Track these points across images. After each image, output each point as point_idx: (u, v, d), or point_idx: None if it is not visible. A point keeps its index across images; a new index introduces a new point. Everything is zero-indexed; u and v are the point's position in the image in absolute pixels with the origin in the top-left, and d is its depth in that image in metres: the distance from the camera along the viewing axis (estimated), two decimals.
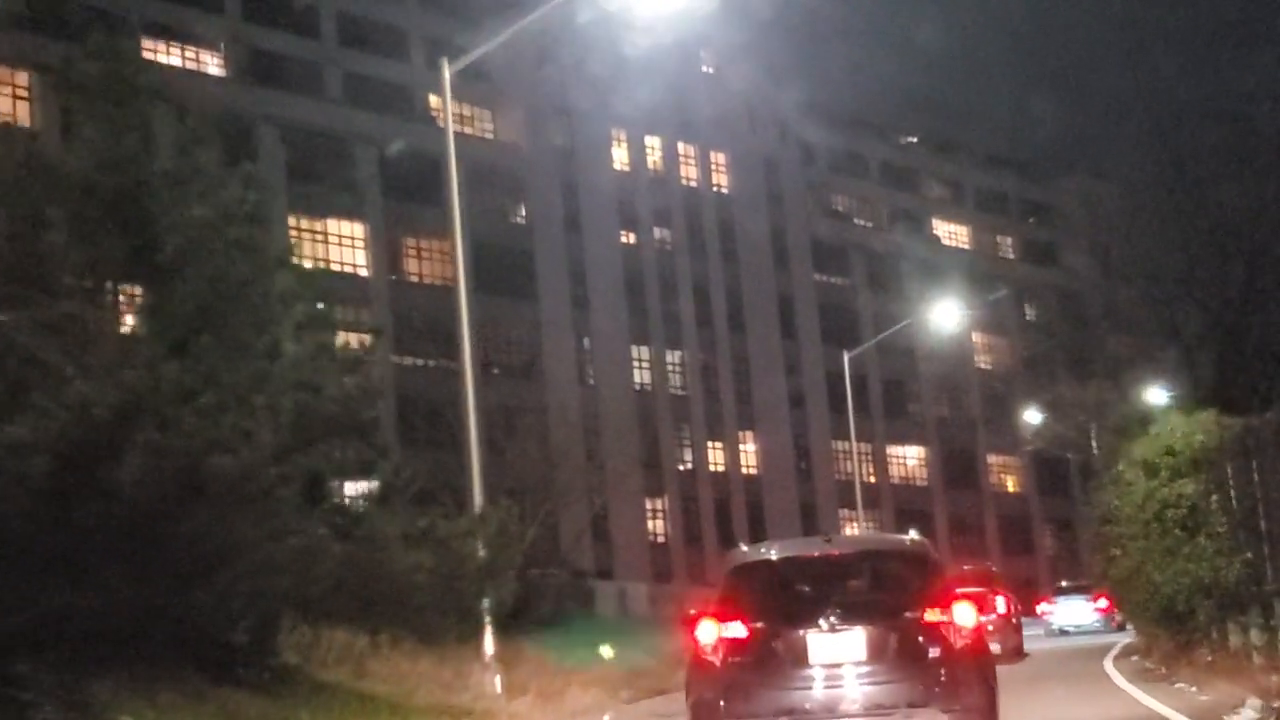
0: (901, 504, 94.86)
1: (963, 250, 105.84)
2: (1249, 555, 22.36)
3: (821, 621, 14.16)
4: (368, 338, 21.48)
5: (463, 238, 68.91)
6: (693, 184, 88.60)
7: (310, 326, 19.59)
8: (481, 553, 21.92)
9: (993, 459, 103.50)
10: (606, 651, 29.19)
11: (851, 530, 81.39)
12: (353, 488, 22.87)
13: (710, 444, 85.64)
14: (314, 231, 69.40)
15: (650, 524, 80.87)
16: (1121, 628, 46.27)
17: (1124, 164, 50.72)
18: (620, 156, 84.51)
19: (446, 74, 27.14)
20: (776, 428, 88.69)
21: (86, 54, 19.77)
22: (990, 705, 14.41)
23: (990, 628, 35.51)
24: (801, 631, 14.16)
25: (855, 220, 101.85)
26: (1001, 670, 18.24)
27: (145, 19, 62.83)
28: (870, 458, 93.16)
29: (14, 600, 16.08)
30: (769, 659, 14.16)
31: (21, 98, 57.87)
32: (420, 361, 68.03)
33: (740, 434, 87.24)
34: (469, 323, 27.72)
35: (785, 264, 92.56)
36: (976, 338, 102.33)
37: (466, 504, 24.74)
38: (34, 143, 24.63)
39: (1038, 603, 64.69)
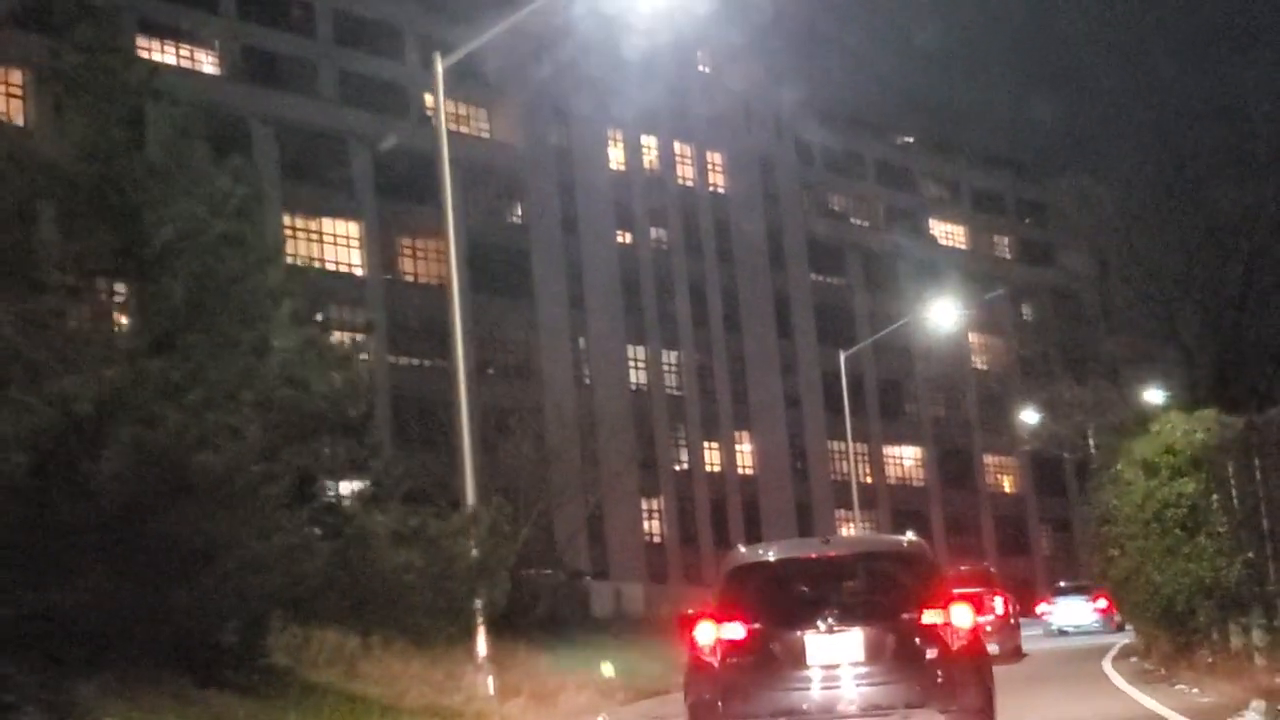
0: (898, 504, 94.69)
1: (959, 250, 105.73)
2: (1251, 555, 22.12)
3: (819, 622, 14.21)
4: (360, 335, 21.06)
5: (458, 237, 68.71)
6: (689, 184, 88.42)
7: (299, 322, 19.27)
8: (474, 552, 21.62)
9: (989, 459, 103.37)
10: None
11: (848, 531, 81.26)
12: (346, 487, 22.65)
13: (706, 444, 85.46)
14: (309, 230, 69.24)
15: (646, 524, 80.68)
16: (1121, 628, 46.11)
17: (1122, 164, 50.56)
18: (616, 156, 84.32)
19: (439, 69, 26.89)
20: (773, 428, 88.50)
21: (73, 46, 19.50)
22: (987, 705, 14.44)
23: (988, 628, 35.54)
24: (799, 632, 14.22)
25: (852, 220, 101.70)
26: (1000, 671, 18.10)
27: (140, 17, 62.50)
28: (867, 458, 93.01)
29: None
30: (767, 660, 14.21)
31: (15, 95, 57.59)
32: (416, 361, 67.80)
33: (736, 434, 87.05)
34: (461, 321, 27.47)
35: (781, 264, 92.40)
36: (973, 338, 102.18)
37: (460, 504, 24.51)
38: (20, 136, 24.29)
39: (1037, 603, 64.50)
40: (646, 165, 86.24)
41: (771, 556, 15.43)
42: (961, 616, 14.36)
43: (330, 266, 68.83)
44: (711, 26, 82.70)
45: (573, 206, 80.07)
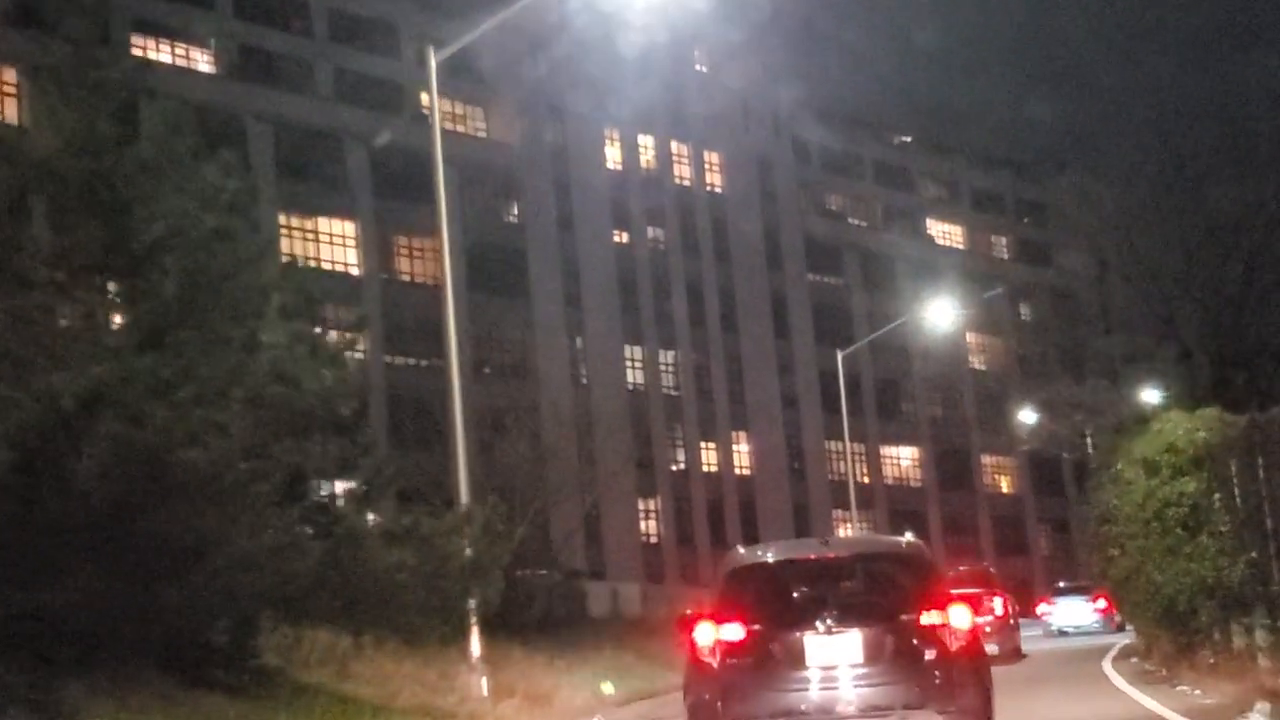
0: (895, 504, 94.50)
1: (957, 250, 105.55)
2: (1254, 555, 21.89)
3: (818, 623, 14.27)
4: (349, 334, 20.77)
5: (455, 237, 68.49)
6: (686, 183, 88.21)
7: (288, 317, 19.01)
8: (468, 551, 21.36)
9: (987, 459, 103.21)
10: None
11: (845, 531, 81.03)
12: (339, 486, 22.38)
13: (703, 444, 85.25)
14: (305, 229, 69.04)
15: (643, 524, 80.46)
16: (1121, 628, 45.95)
17: (1121, 163, 50.49)
18: (613, 155, 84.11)
19: (432, 63, 26.65)
20: (770, 428, 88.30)
21: (61, 39, 19.25)
22: (986, 706, 14.48)
23: (988, 629, 35.39)
24: (798, 633, 14.26)
25: (850, 220, 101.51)
26: (1000, 672, 17.93)
27: (135, 16, 62.29)
28: (864, 458, 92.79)
29: None
30: (766, 661, 14.26)
31: (9, 94, 57.33)
32: (412, 361, 67.57)
33: (733, 434, 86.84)
34: (457, 320, 27.23)
35: (779, 264, 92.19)
36: (971, 338, 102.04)
37: (454, 503, 24.28)
38: (11, 133, 24.02)
39: (1037, 604, 64.34)
40: (643, 164, 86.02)
41: (770, 557, 15.50)
42: (960, 617, 14.41)
43: (326, 266, 68.58)
44: (709, 25, 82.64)
45: (569, 206, 79.84)
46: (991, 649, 33.44)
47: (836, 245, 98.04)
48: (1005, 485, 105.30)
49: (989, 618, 35.78)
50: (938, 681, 14.12)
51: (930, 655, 14.18)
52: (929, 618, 14.30)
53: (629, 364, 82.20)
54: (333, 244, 70.29)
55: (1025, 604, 60.30)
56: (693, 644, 14.53)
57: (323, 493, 20.39)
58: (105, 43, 19.94)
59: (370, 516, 21.44)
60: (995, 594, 38.13)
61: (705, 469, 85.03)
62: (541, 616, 42.72)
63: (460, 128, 76.32)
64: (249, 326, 18.40)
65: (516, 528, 38.89)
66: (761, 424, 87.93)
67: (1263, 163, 45.69)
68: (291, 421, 17.94)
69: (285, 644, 21.50)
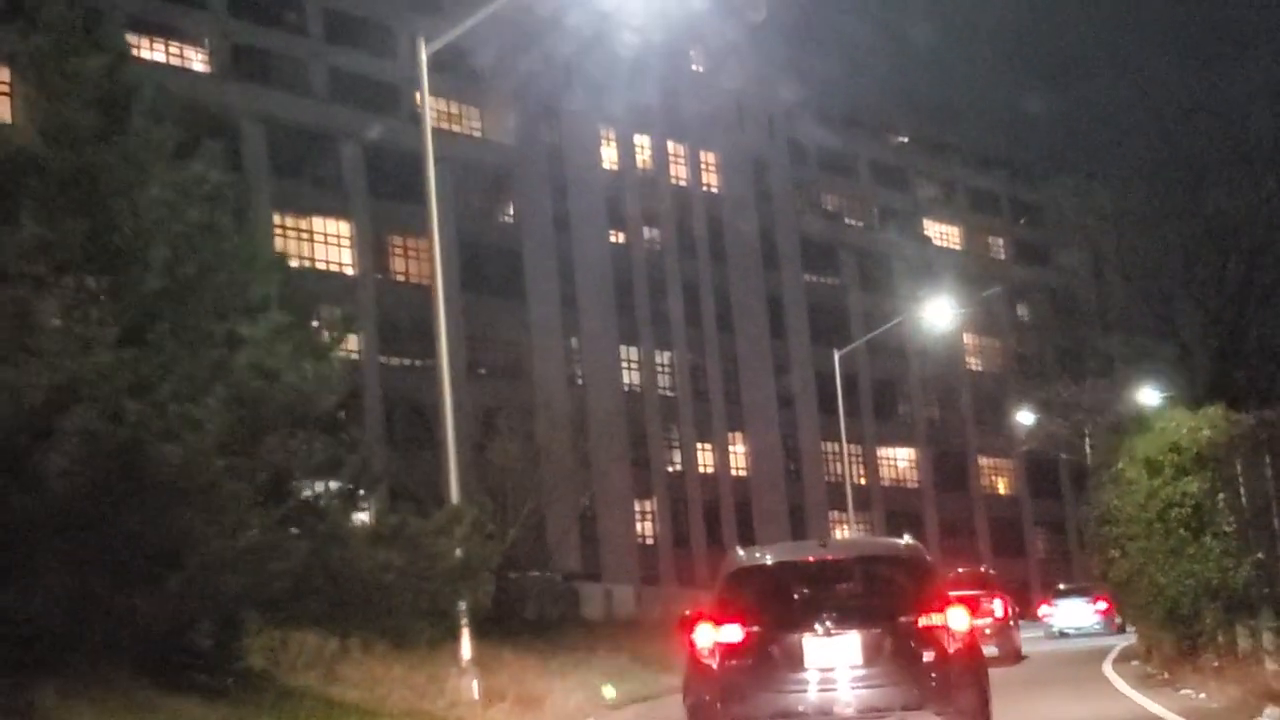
0: (892, 506, 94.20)
1: (954, 250, 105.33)
2: (1260, 556, 21.50)
3: (817, 625, 14.37)
4: (333, 331, 20.30)
5: (450, 237, 68.14)
6: (682, 183, 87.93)
7: (269, 309, 18.57)
8: (458, 552, 20.93)
9: (984, 461, 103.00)
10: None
11: (842, 532, 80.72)
12: (328, 485, 21.97)
13: (699, 445, 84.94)
14: (299, 229, 68.72)
15: (639, 526, 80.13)
16: (1121, 630, 45.70)
17: (1120, 161, 50.31)
18: (609, 155, 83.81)
19: (423, 55, 26.25)
20: (766, 429, 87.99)
21: (41, 27, 18.83)
22: (984, 707, 14.60)
23: (988, 631, 35.10)
24: (797, 635, 14.37)
25: (846, 220, 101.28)
26: (999, 674, 17.61)
27: (129, 14, 61.81)
28: (861, 459, 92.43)
29: None
30: (765, 662, 14.37)
31: (2, 93, 56.88)
32: (407, 361, 67.14)
33: (729, 435, 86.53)
34: (449, 319, 26.86)
35: (775, 264, 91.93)
36: (968, 339, 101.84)
37: (445, 503, 23.89)
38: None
39: (1038, 605, 64.09)
40: (639, 164, 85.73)
41: (769, 559, 15.66)
42: (958, 619, 14.51)
43: (320, 266, 68.30)
44: (705, 25, 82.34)
45: (565, 206, 79.53)
46: (991, 651, 33.15)
47: (833, 245, 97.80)
48: (1002, 487, 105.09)
49: (988, 620, 35.53)
50: (936, 683, 14.20)
51: (928, 657, 14.25)
52: (927, 619, 14.39)
53: (625, 364, 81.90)
54: (327, 244, 69.98)
55: (1021, 606, 60.07)
56: (692, 645, 14.63)
57: (309, 492, 19.92)
58: (87, 32, 19.47)
59: (358, 516, 21.02)
60: (995, 596, 37.84)
61: (701, 470, 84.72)
62: (535, 618, 42.33)
63: (455, 127, 76.02)
64: (232, 322, 17.96)
65: (509, 528, 38.53)
66: (758, 425, 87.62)
67: (1264, 161, 45.34)
68: (271, 417, 17.48)
69: (271, 647, 21.06)
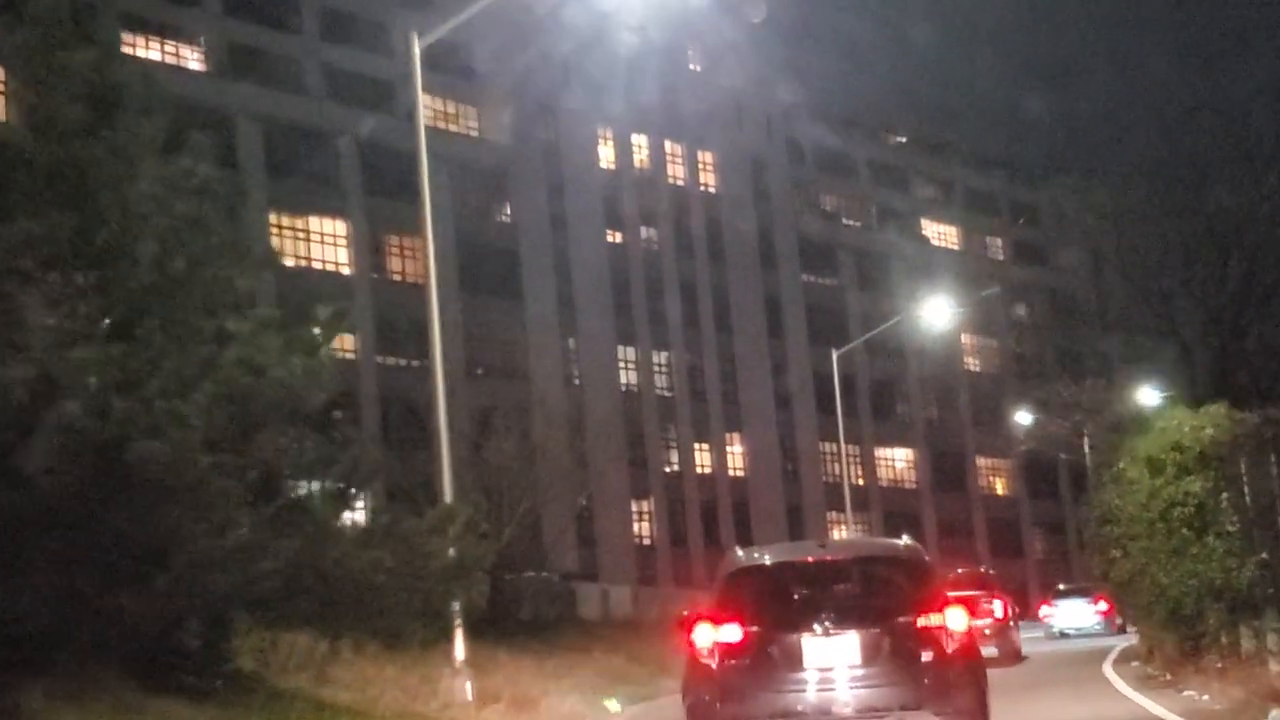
0: (890, 506, 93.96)
1: (952, 251, 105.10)
2: (1264, 556, 21.23)
3: (816, 625, 14.43)
4: (318, 328, 19.97)
5: (448, 236, 67.82)
6: (680, 183, 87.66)
7: (256, 304, 18.27)
8: (451, 552, 20.63)
9: (982, 461, 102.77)
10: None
11: (839, 533, 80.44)
12: (323, 484, 21.65)
13: (697, 445, 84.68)
14: (295, 228, 68.45)
15: (636, 526, 79.88)
16: (1122, 630, 45.52)
17: (1119, 161, 50.11)
18: (606, 155, 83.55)
19: (416, 49, 25.97)
20: (763, 429, 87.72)
21: (29, 20, 18.53)
22: (982, 707, 14.68)
23: (987, 631, 34.86)
24: (796, 635, 14.44)
25: (844, 220, 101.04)
26: (999, 675, 17.40)
27: (124, 12, 61.53)
28: (858, 460, 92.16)
29: None
30: (764, 662, 14.45)
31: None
32: (404, 361, 66.82)
33: (727, 435, 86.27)
34: (444, 317, 26.59)
35: (773, 264, 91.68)
36: (966, 339, 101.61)
37: (438, 502, 23.60)
38: None
39: (1039, 605, 63.97)
40: (637, 164, 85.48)
41: (768, 560, 15.78)
42: (956, 619, 14.57)
43: (317, 265, 68.05)
44: (703, 24, 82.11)
45: (562, 205, 79.27)
46: (990, 651, 32.92)
47: (831, 245, 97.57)
48: (1000, 487, 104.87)
49: (988, 620, 35.33)
50: (934, 683, 14.28)
51: (927, 657, 14.33)
52: (926, 620, 14.46)
53: (622, 365, 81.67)
54: (323, 243, 69.71)
55: (1020, 606, 59.85)
56: (691, 645, 14.71)
57: (301, 491, 19.61)
58: (77, 26, 19.19)
59: (351, 516, 20.73)
60: (995, 596, 37.65)
61: (699, 470, 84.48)
62: (530, 619, 42.05)
63: (453, 127, 75.80)
64: (220, 318, 17.66)
65: (504, 528, 38.23)
66: (755, 425, 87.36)
67: (1265, 159, 45.14)
68: (259, 414, 17.18)
69: (261, 648, 20.76)
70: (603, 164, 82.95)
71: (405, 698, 22.68)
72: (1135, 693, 23.93)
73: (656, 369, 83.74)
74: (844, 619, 14.43)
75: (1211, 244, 44.92)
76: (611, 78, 78.99)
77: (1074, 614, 55.59)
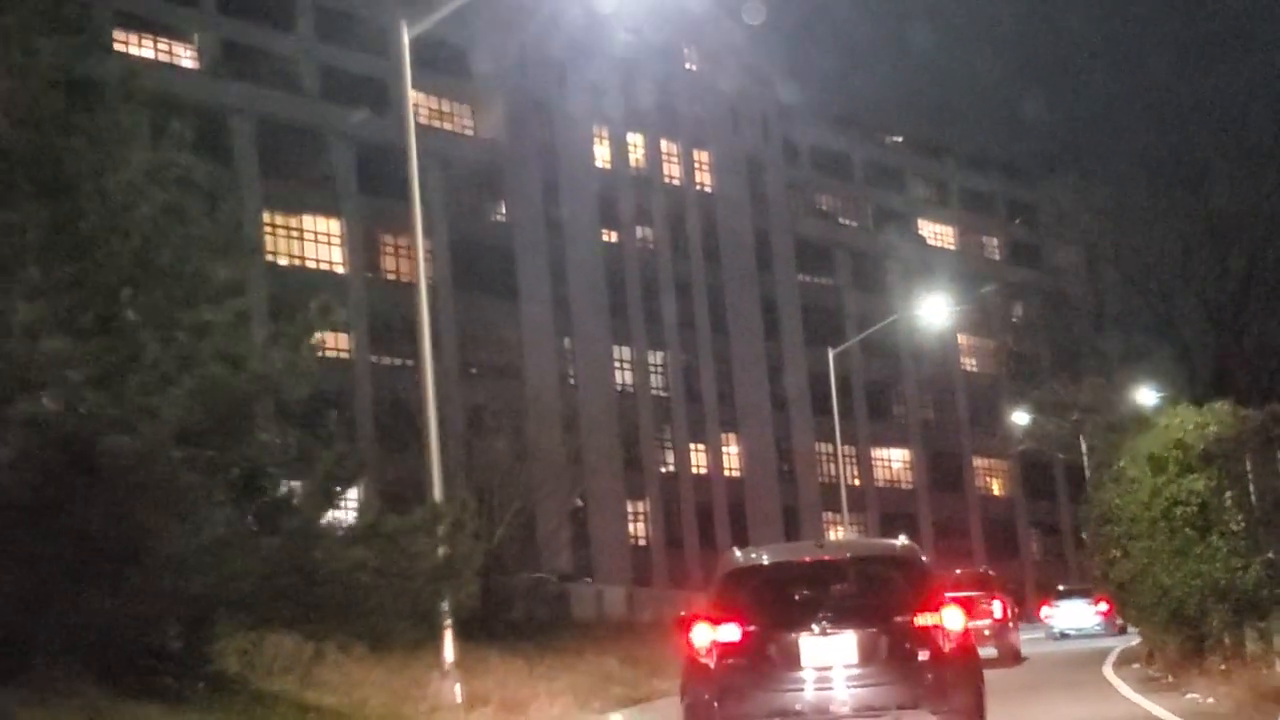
0: (886, 507, 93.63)
1: (948, 251, 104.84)
2: (1270, 555, 20.81)
3: (813, 625, 14.53)
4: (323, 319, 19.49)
5: (443, 236, 67.34)
6: (675, 182, 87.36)
7: (235, 293, 17.82)
8: (441, 551, 20.19)
9: (979, 462, 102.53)
10: None
11: (836, 534, 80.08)
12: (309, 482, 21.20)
13: (692, 446, 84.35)
14: (289, 227, 68.18)
15: (631, 527, 79.52)
16: (1123, 631, 45.25)
17: (1117, 159, 50.01)
18: (602, 154, 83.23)
19: (405, 39, 25.61)
20: (759, 430, 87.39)
21: (6, 4, 18.07)
22: (978, 706, 14.76)
23: (987, 632, 34.52)
24: (794, 635, 14.55)
25: (840, 220, 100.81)
26: (999, 676, 17.09)
27: (119, 11, 61.21)
28: (854, 460, 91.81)
29: None
30: (762, 661, 14.56)
31: None
32: (398, 361, 66.40)
33: (723, 436, 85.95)
34: (437, 315, 26.25)
35: (769, 264, 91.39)
36: (962, 340, 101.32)
37: (428, 501, 23.19)
38: None
39: (1040, 606, 63.78)
40: (633, 164, 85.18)
41: (766, 560, 15.94)
42: (953, 619, 14.69)
43: (310, 264, 67.74)
44: (699, 24, 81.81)
45: (558, 205, 78.93)
46: (990, 652, 32.56)
47: (827, 246, 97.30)
48: (997, 488, 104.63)
49: (988, 621, 35.03)
50: (931, 682, 14.39)
51: (924, 656, 14.45)
52: (923, 619, 14.57)
53: (617, 365, 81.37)
54: (317, 242, 69.38)
55: (1022, 607, 59.56)
56: (689, 645, 14.82)
57: (284, 488, 19.15)
58: (57, 11, 18.73)
59: (337, 515, 20.29)
60: (994, 597, 37.32)
61: (694, 471, 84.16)
62: (523, 620, 41.64)
63: (447, 125, 75.52)
64: (199, 309, 17.21)
65: (495, 528, 37.82)
66: (751, 426, 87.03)
67: (1263, 159, 44.92)
68: (235, 406, 16.72)
69: (245, 650, 20.32)
70: (598, 163, 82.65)
71: (393, 700, 22.29)
72: (1137, 695, 23.52)
73: (652, 369, 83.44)
74: (841, 619, 14.49)
75: (1211, 242, 44.68)
76: (607, 77, 78.74)
77: (1074, 615, 55.48)
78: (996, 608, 36.67)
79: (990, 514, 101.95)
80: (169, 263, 17.39)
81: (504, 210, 77.70)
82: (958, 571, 44.11)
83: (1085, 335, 56.13)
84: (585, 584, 60.69)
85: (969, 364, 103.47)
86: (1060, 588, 61.04)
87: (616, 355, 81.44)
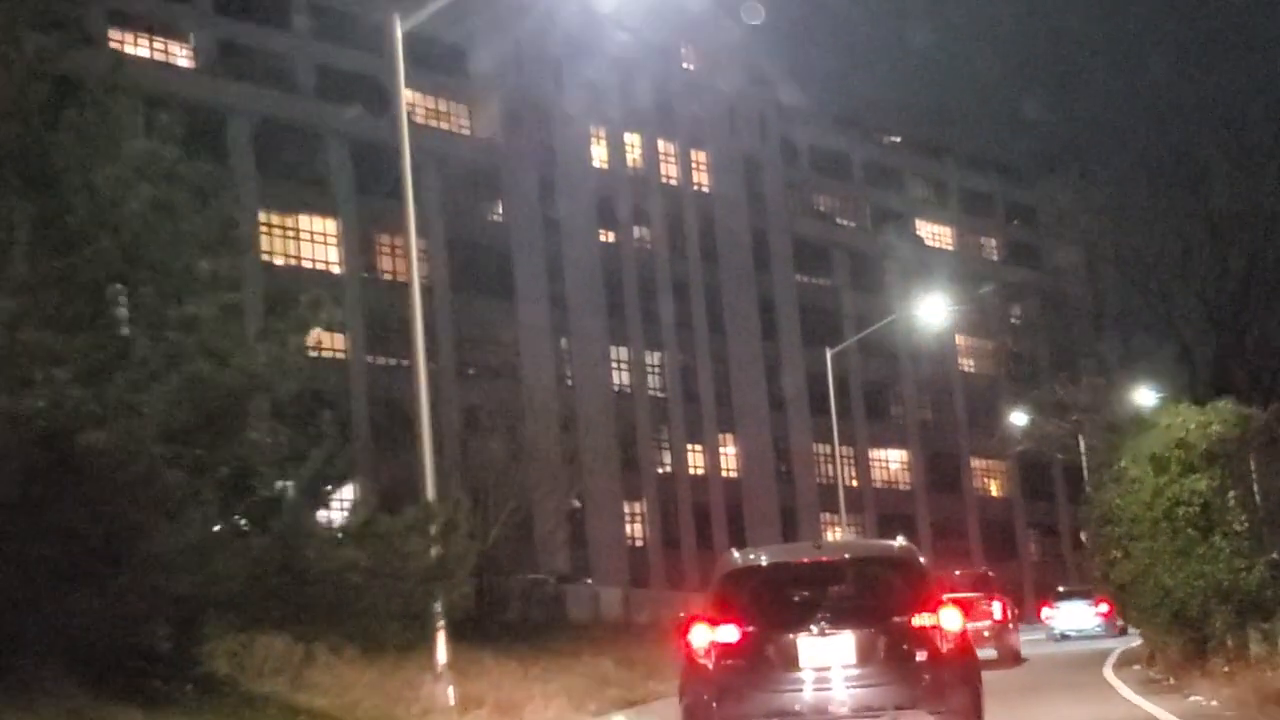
0: (884, 508, 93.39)
1: (947, 251, 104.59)
2: (1275, 556, 20.56)
3: (812, 625, 14.55)
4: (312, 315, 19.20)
5: (439, 236, 67.06)
6: (673, 183, 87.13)
7: (221, 287, 17.54)
8: (433, 551, 19.91)
9: (977, 463, 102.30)
10: None
11: (833, 535, 79.85)
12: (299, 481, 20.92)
13: (690, 446, 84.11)
14: (285, 227, 67.91)
15: (628, 527, 79.29)
16: (1124, 632, 45.10)
17: (1117, 158, 49.90)
18: (599, 154, 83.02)
19: (398, 33, 25.37)
20: (757, 430, 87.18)
21: None
22: (976, 707, 14.80)
23: (986, 633, 34.30)
24: (792, 635, 14.57)
25: (838, 220, 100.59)
26: (999, 677, 16.94)
27: (113, 9, 60.99)
28: (852, 461, 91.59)
29: None
30: (760, 662, 14.58)
31: None
32: (394, 361, 66.15)
33: (720, 436, 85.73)
34: (433, 315, 25.99)
35: (767, 264, 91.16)
36: (960, 340, 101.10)
37: (421, 501, 22.91)
38: None
39: (1041, 606, 63.68)
40: (630, 164, 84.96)
41: (764, 561, 15.94)
42: (951, 620, 14.72)
43: (307, 264, 67.52)
44: (697, 24, 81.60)
45: (555, 205, 78.72)
46: (989, 653, 32.34)
47: (825, 246, 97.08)
48: (995, 489, 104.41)
49: (987, 622, 34.84)
50: (929, 682, 14.42)
51: (922, 657, 14.48)
52: (920, 620, 14.59)
53: (615, 365, 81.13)
54: (313, 242, 69.15)
55: (1021, 608, 59.36)
56: (688, 646, 14.86)
57: (275, 487, 18.86)
58: (43, 1, 18.47)
59: (328, 514, 20.03)
60: (994, 598, 37.14)
61: (692, 471, 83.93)
62: (517, 621, 41.38)
63: (444, 125, 75.29)
64: (186, 304, 16.93)
65: (490, 528, 37.55)
66: (749, 426, 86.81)
67: (1263, 159, 44.73)
68: (219, 403, 16.43)
69: (235, 651, 20.03)
70: (596, 163, 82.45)
71: (385, 702, 22.01)
72: (1138, 696, 23.28)
73: (649, 369, 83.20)
74: (839, 619, 14.53)
75: (1211, 242, 44.48)
76: (605, 76, 78.56)
77: (1075, 616, 55.43)
78: (996, 609, 36.50)
79: (988, 515, 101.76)
80: (158, 259, 17.16)
81: (501, 210, 77.46)
82: (957, 572, 43.91)
83: (1084, 335, 55.92)
84: (583, 585, 60.45)
85: (967, 365, 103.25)
86: (1060, 589, 60.89)
87: (614, 355, 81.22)
